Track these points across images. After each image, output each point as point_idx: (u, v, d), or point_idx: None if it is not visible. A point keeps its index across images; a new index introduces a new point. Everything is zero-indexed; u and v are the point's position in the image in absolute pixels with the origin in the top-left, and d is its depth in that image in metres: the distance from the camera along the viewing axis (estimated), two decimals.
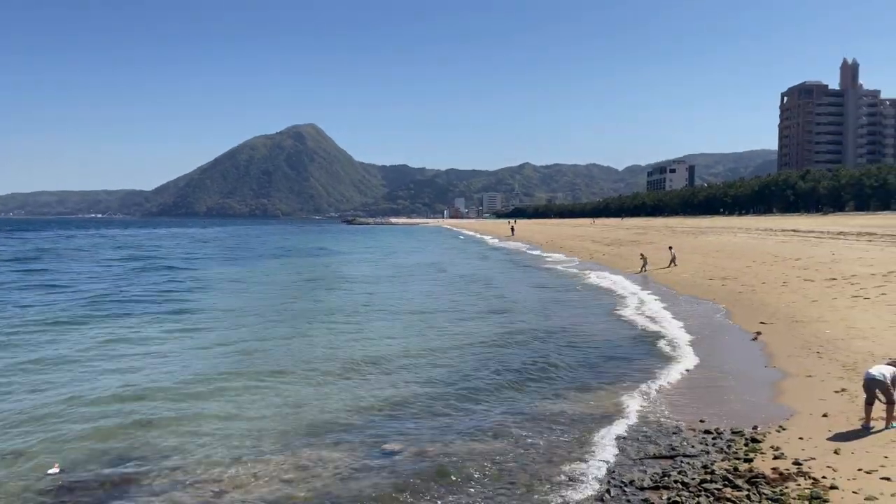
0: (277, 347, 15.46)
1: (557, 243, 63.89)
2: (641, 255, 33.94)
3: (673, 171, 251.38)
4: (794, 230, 48.26)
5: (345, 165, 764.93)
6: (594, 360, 14.53)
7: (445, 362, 14.25)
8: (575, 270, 36.54)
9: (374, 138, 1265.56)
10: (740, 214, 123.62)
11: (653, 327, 17.92)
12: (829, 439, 9.09)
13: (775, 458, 8.69)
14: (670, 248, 34.45)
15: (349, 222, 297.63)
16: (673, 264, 32.96)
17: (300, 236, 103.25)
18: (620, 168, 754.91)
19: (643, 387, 12.27)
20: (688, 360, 14.28)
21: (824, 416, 9.83)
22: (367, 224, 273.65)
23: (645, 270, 32.53)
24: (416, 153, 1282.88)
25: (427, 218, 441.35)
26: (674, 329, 17.48)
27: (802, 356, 13.33)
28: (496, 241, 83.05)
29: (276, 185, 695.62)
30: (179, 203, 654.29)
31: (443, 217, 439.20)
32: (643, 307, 21.43)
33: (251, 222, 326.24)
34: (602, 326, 18.35)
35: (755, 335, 15.80)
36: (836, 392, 10.85)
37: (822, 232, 43.61)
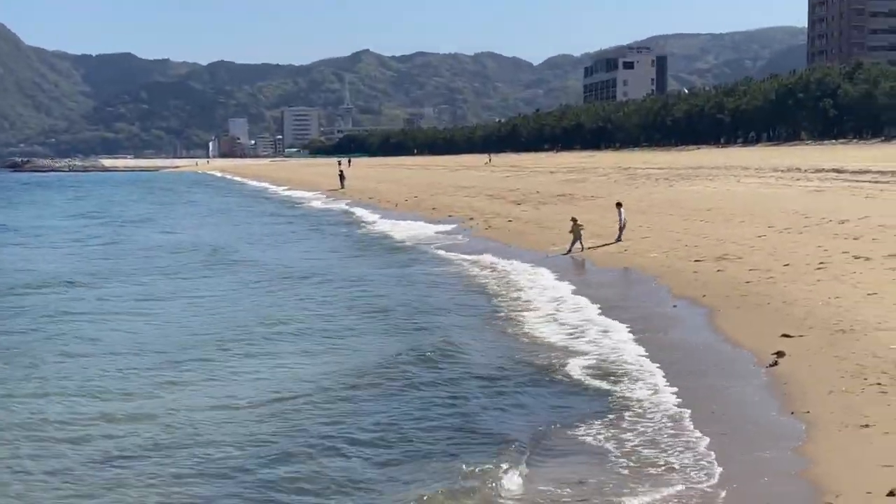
0: None
1: (426, 203, 64.46)
2: (573, 221, 34.85)
3: (629, 65, 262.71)
4: (835, 170, 51.74)
5: (7, 57, 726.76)
6: (506, 418, 14.77)
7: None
8: (456, 254, 36.98)
9: (64, 8, 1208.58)
10: (745, 143, 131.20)
11: (601, 357, 18.41)
12: None
13: None
14: (618, 205, 35.60)
15: (16, 168, 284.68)
16: (619, 235, 34.34)
17: None
18: (536, 62, 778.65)
19: (583, 460, 12.52)
20: (657, 409, 14.82)
21: (891, 494, 10.47)
22: (57, 171, 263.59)
23: (579, 247, 33.57)
24: (149, 33, 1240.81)
25: (175, 158, 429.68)
26: (634, 358, 18.08)
27: (852, 391, 14.14)
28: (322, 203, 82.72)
29: None
30: None
31: (208, 155, 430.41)
32: (582, 325, 21.98)
33: None
34: (512, 361, 18.62)
35: (774, 358, 16.66)
36: None
37: (883, 172, 47.02)
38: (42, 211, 77.88)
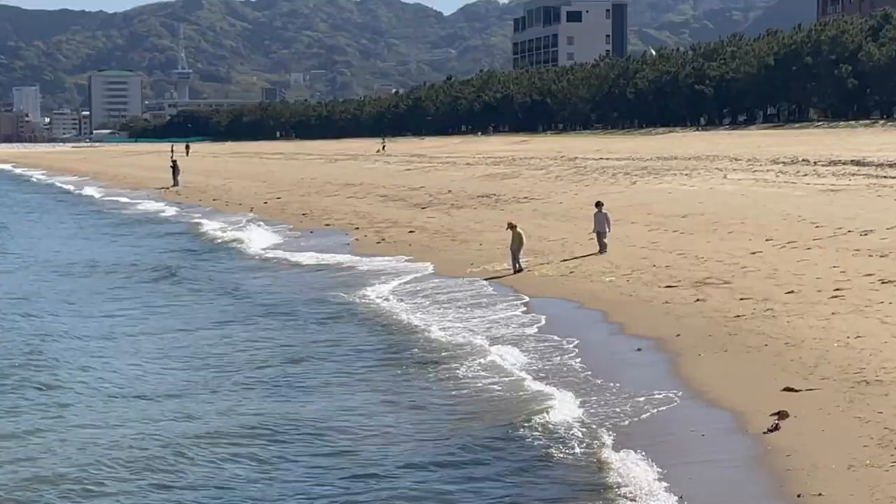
0: None
1: (294, 206, 64.20)
2: (511, 227, 34.76)
3: (575, 17, 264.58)
4: (856, 161, 52.64)
5: None
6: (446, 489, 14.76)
7: None
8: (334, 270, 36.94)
9: None
10: (734, 125, 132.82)
11: (539, 433, 18.52)
12: None
13: None
14: (599, 205, 35.68)
15: None
16: (602, 247, 34.65)
17: None
18: (448, 11, 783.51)
19: None
20: (610, 494, 14.93)
21: None
22: None
23: (519, 267, 33.63)
24: None
25: None
26: (580, 430, 18.17)
27: (879, 465, 14.11)
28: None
29: None
30: None
31: None
32: (506, 391, 21.96)
33: None
34: (426, 444, 18.66)
35: (773, 421, 16.79)
36: None
37: None
38: None
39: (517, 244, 34.14)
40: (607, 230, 34.96)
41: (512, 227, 34.58)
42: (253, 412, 20.00)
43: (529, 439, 17.55)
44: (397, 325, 28.00)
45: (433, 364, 23.28)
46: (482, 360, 23.03)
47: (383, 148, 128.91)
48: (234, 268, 41.70)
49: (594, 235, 35.12)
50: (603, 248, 34.51)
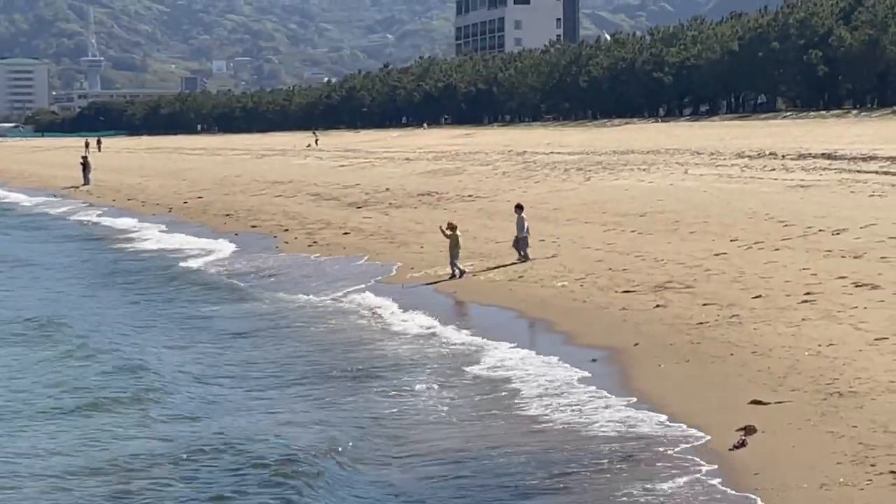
0: None
1: (217, 206, 63.97)
2: (452, 228, 34.46)
3: None
4: (827, 155, 52.94)
5: None
6: None
7: None
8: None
9: None
10: (696, 115, 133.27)
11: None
12: None
13: None
14: (519, 208, 35.63)
15: None
16: (522, 253, 34.63)
17: None
18: None
19: None
20: None
21: None
22: None
23: (457, 271, 33.52)
24: None
25: None
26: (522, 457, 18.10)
27: (854, 483, 14.13)
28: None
29: None
30: None
31: None
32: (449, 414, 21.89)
33: None
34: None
35: (739, 437, 16.80)
36: None
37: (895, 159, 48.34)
38: None
39: (454, 247, 33.95)
40: (527, 236, 34.91)
41: (451, 227, 34.39)
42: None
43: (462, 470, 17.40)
44: (322, 341, 27.72)
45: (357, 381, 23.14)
46: (423, 377, 22.94)
47: (315, 142, 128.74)
48: (144, 275, 41.36)
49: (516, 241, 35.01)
50: (523, 256, 34.47)
